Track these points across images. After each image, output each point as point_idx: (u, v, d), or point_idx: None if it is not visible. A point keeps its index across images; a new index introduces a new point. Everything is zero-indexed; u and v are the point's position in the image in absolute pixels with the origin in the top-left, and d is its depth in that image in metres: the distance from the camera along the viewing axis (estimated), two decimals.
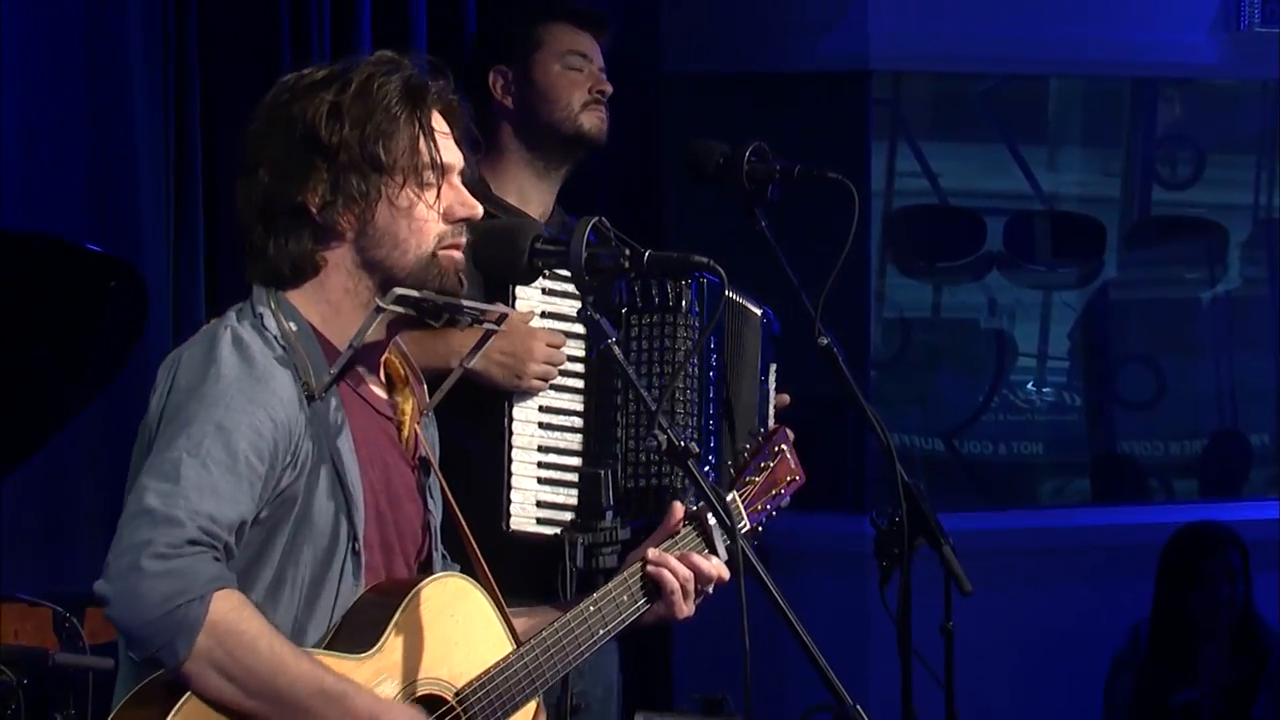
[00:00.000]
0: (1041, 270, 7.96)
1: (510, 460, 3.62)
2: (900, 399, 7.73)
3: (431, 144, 2.85)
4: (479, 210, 2.91)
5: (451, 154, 2.89)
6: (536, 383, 3.63)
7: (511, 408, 3.63)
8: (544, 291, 3.65)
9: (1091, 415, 7.97)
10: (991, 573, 5.32)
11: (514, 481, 3.62)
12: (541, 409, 3.66)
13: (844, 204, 3.65)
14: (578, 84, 3.93)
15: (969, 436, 7.71)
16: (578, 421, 3.68)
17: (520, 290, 3.62)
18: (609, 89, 3.97)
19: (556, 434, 3.66)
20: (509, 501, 3.61)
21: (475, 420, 3.57)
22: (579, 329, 3.65)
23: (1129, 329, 8.03)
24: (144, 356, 4.36)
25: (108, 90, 4.72)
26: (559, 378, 3.67)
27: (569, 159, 3.97)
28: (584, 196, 4.25)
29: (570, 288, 3.63)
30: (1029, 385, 8.06)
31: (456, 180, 2.90)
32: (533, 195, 3.93)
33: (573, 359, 3.68)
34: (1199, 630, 6.08)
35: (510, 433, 3.63)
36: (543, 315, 3.65)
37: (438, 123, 2.88)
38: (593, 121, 3.94)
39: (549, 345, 3.62)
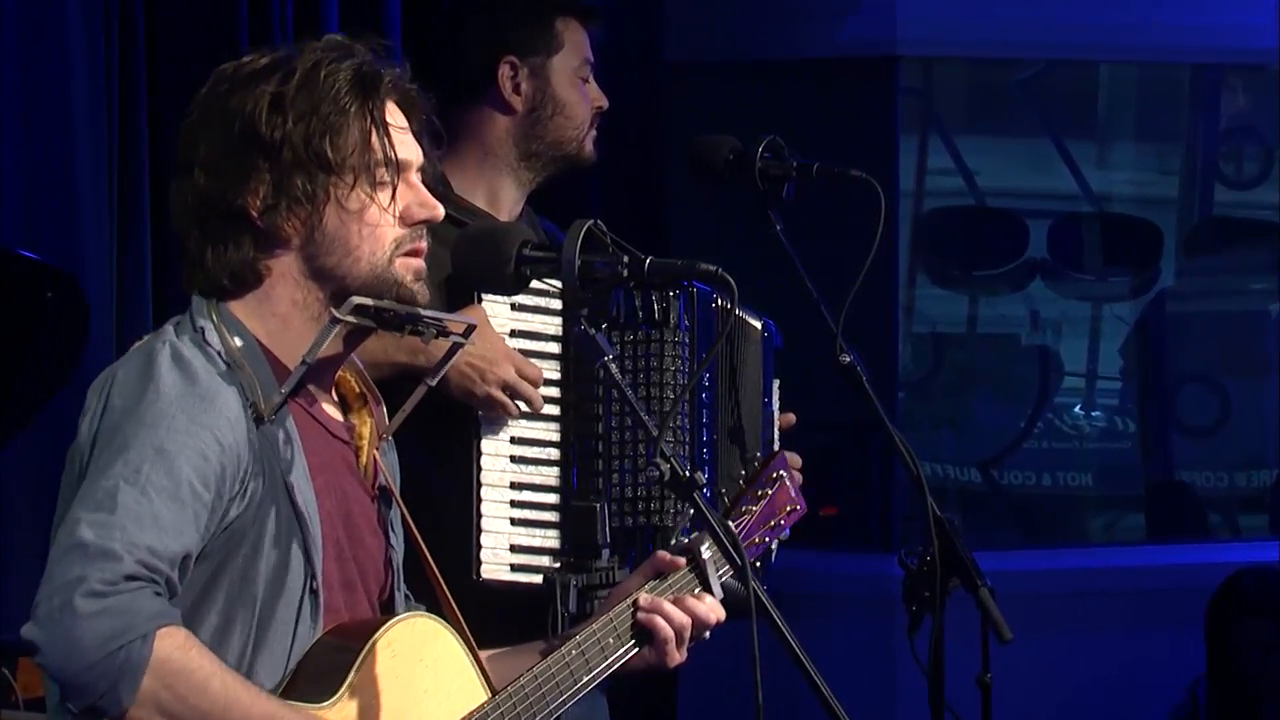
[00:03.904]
0: (1090, 280, 7.98)
1: (479, 500, 3.58)
2: (932, 424, 7.74)
3: (385, 139, 2.84)
4: (440, 211, 2.91)
5: (409, 150, 2.89)
6: (493, 398, 3.58)
7: (479, 439, 3.60)
8: (513, 307, 3.62)
9: (1146, 442, 7.98)
10: (1034, 618, 5.33)
11: (484, 524, 3.57)
12: (513, 440, 3.62)
13: (869, 205, 3.65)
14: (587, 100, 3.94)
15: (1009, 466, 7.72)
16: (554, 453, 3.64)
17: (488, 305, 3.60)
18: (606, 106, 3.99)
19: (531, 468, 3.62)
20: (479, 547, 3.57)
21: (437, 451, 3.55)
22: (553, 349, 3.64)
23: (1189, 345, 8.03)
24: (84, 376, 4.35)
25: (43, 81, 4.72)
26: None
27: (552, 174, 3.98)
28: (576, 198, 4.24)
29: (545, 302, 3.63)
30: (1076, 409, 8.08)
31: (415, 179, 2.91)
32: (505, 200, 3.92)
33: (547, 383, 3.66)
34: (1254, 692, 6.05)
35: (478, 468, 3.59)
36: (512, 334, 3.63)
37: (393, 115, 2.88)
38: (591, 145, 3.97)
39: (518, 369, 3.59)
